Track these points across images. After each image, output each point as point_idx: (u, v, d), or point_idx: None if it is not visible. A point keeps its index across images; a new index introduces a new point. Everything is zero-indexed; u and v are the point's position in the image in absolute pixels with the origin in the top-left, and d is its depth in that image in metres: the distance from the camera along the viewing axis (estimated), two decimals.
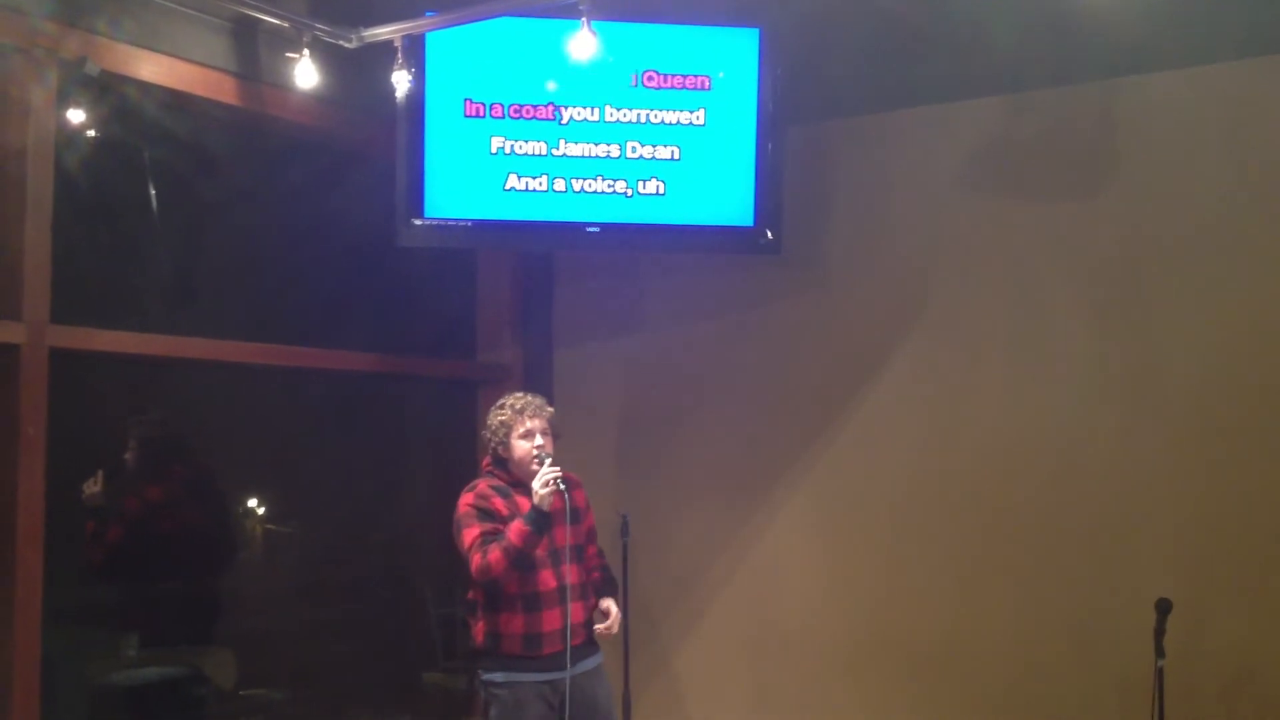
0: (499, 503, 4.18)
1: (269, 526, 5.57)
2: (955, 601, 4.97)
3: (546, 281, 5.92)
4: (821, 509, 5.30)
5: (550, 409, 4.32)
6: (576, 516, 4.25)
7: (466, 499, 4.21)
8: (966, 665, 4.93)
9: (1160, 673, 4.01)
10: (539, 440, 4.20)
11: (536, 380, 5.84)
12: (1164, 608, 4.05)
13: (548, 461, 4.10)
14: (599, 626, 4.31)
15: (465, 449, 5.88)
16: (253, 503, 5.50)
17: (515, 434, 4.23)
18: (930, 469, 5.06)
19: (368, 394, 5.79)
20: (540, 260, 5.89)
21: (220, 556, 5.28)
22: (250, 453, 5.38)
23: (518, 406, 4.26)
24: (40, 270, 4.01)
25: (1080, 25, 4.50)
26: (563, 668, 4.11)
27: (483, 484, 4.26)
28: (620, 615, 4.41)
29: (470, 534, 4.11)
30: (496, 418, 4.29)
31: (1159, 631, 4.03)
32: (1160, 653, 4.01)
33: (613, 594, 4.44)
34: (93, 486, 4.68)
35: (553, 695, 4.18)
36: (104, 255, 4.69)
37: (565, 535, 4.17)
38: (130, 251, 4.84)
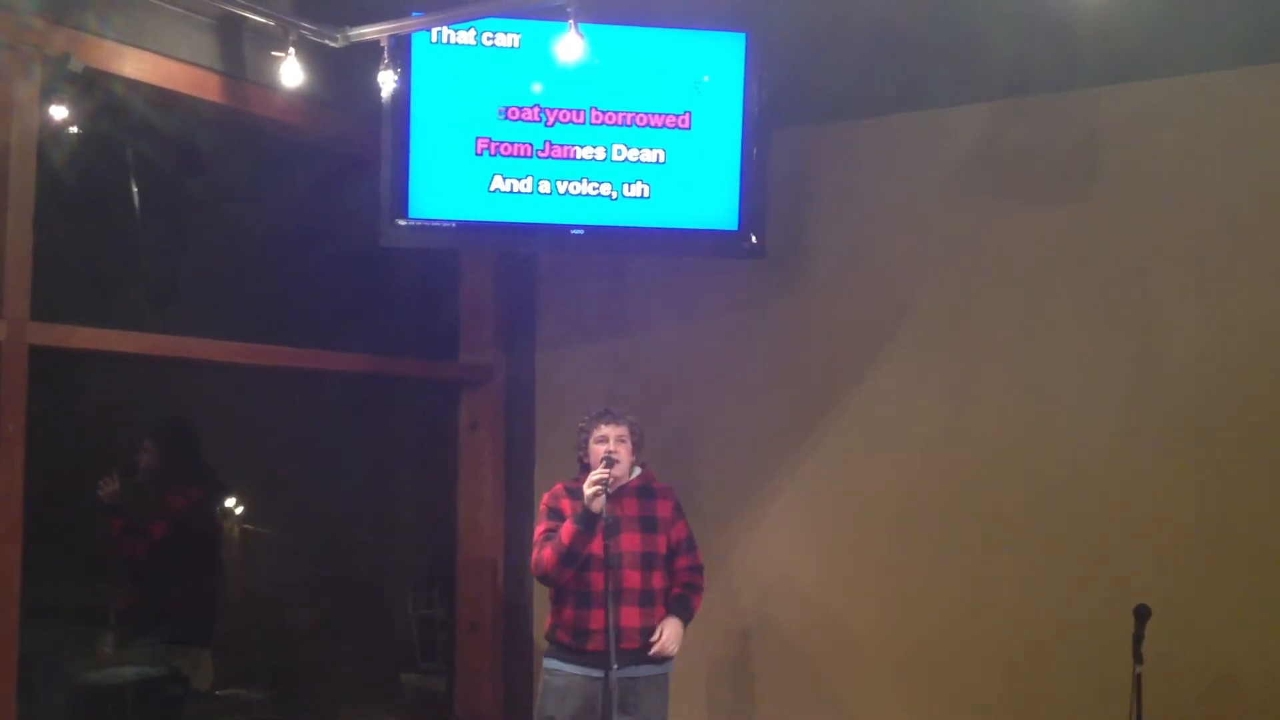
0: (566, 503, 4.43)
1: (247, 526, 5.56)
2: (947, 603, 4.98)
3: (530, 283, 5.91)
4: (810, 512, 5.30)
5: (631, 417, 4.53)
6: (653, 525, 4.48)
7: (544, 499, 4.53)
8: (958, 666, 4.94)
9: (1138, 679, 4.03)
10: (611, 445, 4.40)
11: (519, 382, 5.84)
12: (1142, 614, 4.07)
13: (601, 465, 4.27)
14: (652, 639, 4.39)
15: (447, 450, 5.88)
16: (231, 502, 5.49)
17: (593, 439, 4.47)
18: (918, 473, 5.07)
19: (349, 394, 5.78)
20: (524, 262, 5.88)
21: (209, 556, 5.29)
22: (229, 452, 5.37)
23: (596, 413, 4.53)
24: (21, 267, 3.99)
25: (1075, 31, 4.51)
26: (606, 667, 4.17)
27: (560, 485, 4.54)
28: (675, 636, 4.42)
29: (538, 531, 4.45)
30: (579, 424, 4.55)
31: (1137, 638, 4.05)
32: (1138, 659, 4.03)
33: (680, 615, 4.48)
34: (109, 485, 4.70)
35: (593, 692, 4.31)
36: (86, 252, 4.67)
37: (635, 542, 4.39)
38: (113, 249, 4.82)
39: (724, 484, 5.47)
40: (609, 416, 4.48)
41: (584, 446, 4.49)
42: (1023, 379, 4.89)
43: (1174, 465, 4.61)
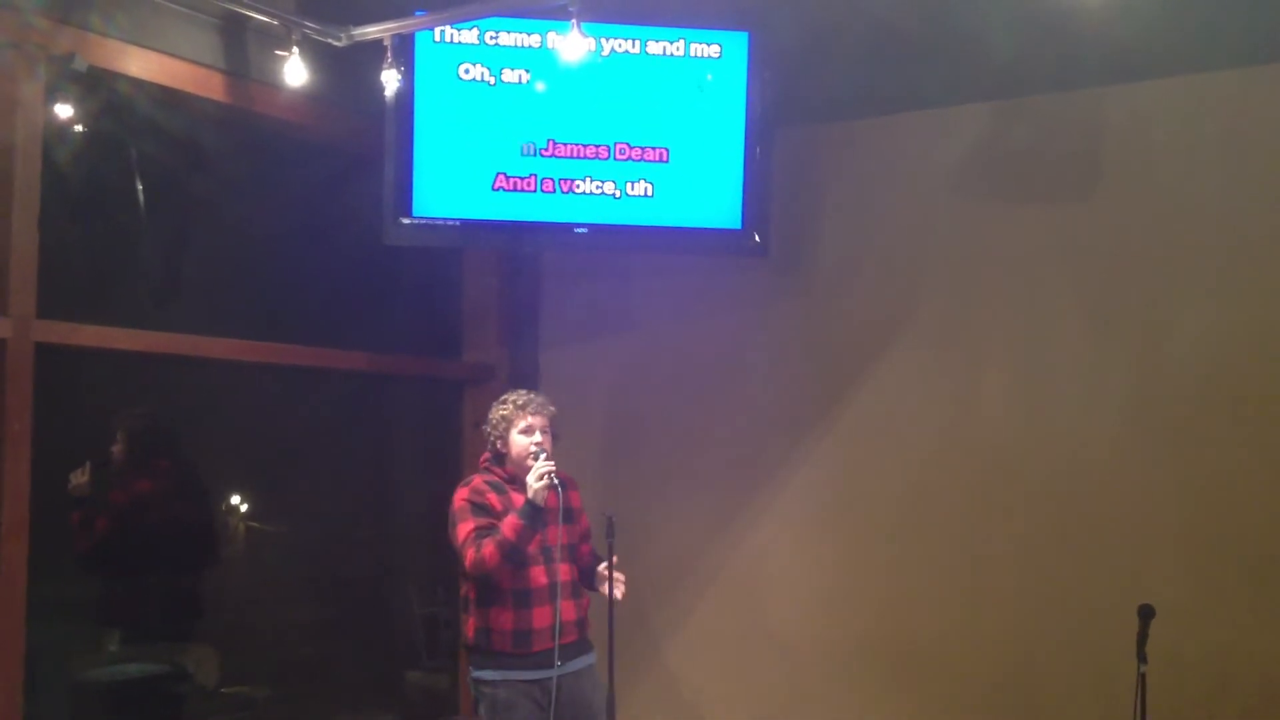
0: (493, 498, 4.23)
1: (251, 524, 5.56)
2: (946, 603, 4.99)
3: (533, 281, 5.92)
4: (809, 511, 5.32)
5: (552, 408, 4.36)
6: (570, 516, 4.30)
7: (461, 494, 4.25)
8: (956, 667, 4.95)
9: (1142, 678, 4.02)
10: (538, 437, 4.25)
11: (522, 380, 5.83)
12: (1146, 614, 4.06)
13: (542, 457, 4.14)
14: (614, 578, 4.21)
15: (450, 448, 5.88)
16: (235, 500, 5.49)
17: (515, 429, 4.28)
18: (919, 472, 5.08)
19: (353, 392, 5.78)
20: (527, 260, 5.89)
21: (204, 553, 5.27)
22: (233, 450, 5.37)
23: (520, 402, 4.31)
24: (27, 265, 4.01)
25: (1076, 31, 4.52)
26: (552, 665, 4.12)
27: (478, 479, 4.31)
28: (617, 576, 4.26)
29: (465, 528, 4.15)
30: (498, 412, 4.34)
31: (1141, 637, 4.04)
32: (1142, 658, 4.03)
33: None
34: (80, 477, 4.68)
35: (541, 694, 4.19)
36: (91, 250, 4.68)
37: (559, 534, 4.21)
38: (117, 247, 4.83)
39: (725, 483, 5.48)
40: (535, 406, 4.30)
41: (504, 436, 4.29)
42: (1023, 379, 4.90)
43: (1175, 465, 4.61)
